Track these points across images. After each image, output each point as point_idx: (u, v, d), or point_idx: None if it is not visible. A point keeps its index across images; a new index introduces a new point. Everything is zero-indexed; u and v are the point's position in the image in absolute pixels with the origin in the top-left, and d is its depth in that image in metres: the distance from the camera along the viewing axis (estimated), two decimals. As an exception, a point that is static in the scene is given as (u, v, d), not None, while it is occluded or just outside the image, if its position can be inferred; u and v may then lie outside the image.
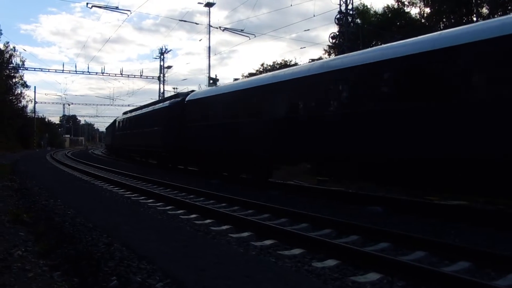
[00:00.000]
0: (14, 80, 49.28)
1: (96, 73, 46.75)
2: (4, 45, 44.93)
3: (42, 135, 63.58)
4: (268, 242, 5.93)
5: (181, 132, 17.59)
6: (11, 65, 47.05)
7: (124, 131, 30.28)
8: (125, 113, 34.66)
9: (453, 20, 24.24)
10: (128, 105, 59.42)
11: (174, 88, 46.67)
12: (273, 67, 40.66)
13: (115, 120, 37.09)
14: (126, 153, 30.85)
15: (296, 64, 36.13)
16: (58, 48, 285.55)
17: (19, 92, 51.43)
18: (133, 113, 29.21)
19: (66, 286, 3.97)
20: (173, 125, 18.50)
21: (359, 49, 13.41)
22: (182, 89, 49.04)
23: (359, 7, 28.62)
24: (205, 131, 15.76)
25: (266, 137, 12.20)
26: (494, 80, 6.96)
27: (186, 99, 17.93)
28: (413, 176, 8.38)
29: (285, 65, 38.44)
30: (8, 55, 46.18)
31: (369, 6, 30.80)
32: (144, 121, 24.05)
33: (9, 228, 6.32)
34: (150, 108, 24.04)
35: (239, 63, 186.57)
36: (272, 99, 12.25)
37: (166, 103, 20.59)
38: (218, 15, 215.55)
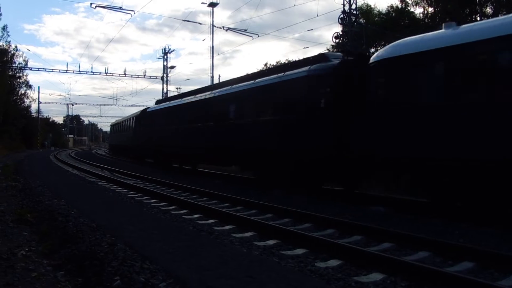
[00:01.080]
0: (18, 80, 49.56)
1: (100, 73, 47.02)
2: (6, 44, 45.16)
3: (46, 135, 63.81)
4: (271, 242, 5.93)
5: (357, 126, 9.23)
6: (14, 65, 47.30)
7: (164, 127, 21.05)
8: (160, 101, 25.64)
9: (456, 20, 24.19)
10: (132, 105, 59.29)
11: (177, 88, 46.69)
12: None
13: (144, 111, 26.80)
14: (164, 157, 21.92)
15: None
16: (61, 48, 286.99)
17: (22, 92, 51.73)
18: (190, 98, 18.69)
19: (69, 286, 3.98)
20: (324, 111, 10.11)
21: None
22: (185, 89, 48.58)
23: (362, 7, 28.53)
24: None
25: None
26: None
27: (376, 57, 9.15)
28: None
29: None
30: (10, 55, 46.36)
31: (372, 6, 30.73)
32: (226, 108, 14.60)
33: (13, 228, 6.35)
34: (245, 85, 13.91)
35: (242, 63, 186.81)
36: None
37: (302, 71, 10.93)
38: (221, 15, 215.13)
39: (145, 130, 24.76)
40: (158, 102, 26.34)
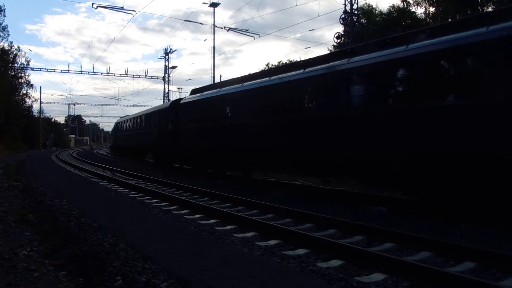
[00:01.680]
0: (20, 80, 49.66)
1: (101, 73, 47.12)
2: (8, 45, 45.23)
3: (48, 135, 63.87)
4: (272, 242, 5.93)
5: None
6: (16, 65, 47.42)
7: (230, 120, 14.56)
8: (196, 90, 18.97)
9: (458, 20, 24.13)
10: (133, 105, 59.15)
11: (178, 88, 46.68)
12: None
13: (175, 103, 20.47)
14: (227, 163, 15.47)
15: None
16: (63, 48, 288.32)
17: (24, 92, 51.84)
18: (284, 76, 12.03)
19: (71, 286, 3.98)
20: None
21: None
22: (187, 89, 48.32)
23: (364, 7, 28.51)
24: None
25: None
26: None
27: None
28: None
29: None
30: (12, 55, 46.47)
31: (374, 6, 30.71)
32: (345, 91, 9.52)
33: (15, 228, 6.36)
34: (384, 54, 8.75)
35: (243, 63, 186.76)
36: None
37: (493, 29, 6.84)
38: (223, 15, 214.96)
39: (181, 128, 18.71)
40: (194, 91, 19.25)
